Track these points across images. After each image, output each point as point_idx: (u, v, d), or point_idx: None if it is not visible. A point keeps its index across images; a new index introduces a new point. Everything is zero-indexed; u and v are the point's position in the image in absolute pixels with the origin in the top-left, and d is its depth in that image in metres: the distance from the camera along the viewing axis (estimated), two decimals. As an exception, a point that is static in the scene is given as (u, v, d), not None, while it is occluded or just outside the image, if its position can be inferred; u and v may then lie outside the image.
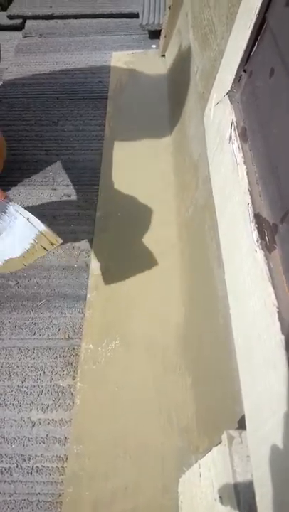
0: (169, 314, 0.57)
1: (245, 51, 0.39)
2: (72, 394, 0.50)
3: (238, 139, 0.35)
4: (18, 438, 0.47)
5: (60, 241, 0.46)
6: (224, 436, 0.34)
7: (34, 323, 0.56)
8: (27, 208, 0.55)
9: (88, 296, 0.58)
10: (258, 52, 0.37)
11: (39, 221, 0.45)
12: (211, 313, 0.47)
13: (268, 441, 0.26)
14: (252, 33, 0.38)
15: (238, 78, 0.40)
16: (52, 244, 0.46)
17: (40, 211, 0.72)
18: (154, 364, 0.52)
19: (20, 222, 0.45)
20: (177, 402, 0.49)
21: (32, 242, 0.45)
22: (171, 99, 0.90)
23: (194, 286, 0.55)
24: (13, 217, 0.44)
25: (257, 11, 0.35)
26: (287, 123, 0.28)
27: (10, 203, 0.44)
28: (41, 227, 0.45)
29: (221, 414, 0.42)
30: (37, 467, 0.45)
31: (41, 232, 0.45)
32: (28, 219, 0.44)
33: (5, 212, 0.44)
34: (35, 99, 0.95)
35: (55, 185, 0.76)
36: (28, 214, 0.45)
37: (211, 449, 0.37)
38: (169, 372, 0.52)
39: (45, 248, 0.46)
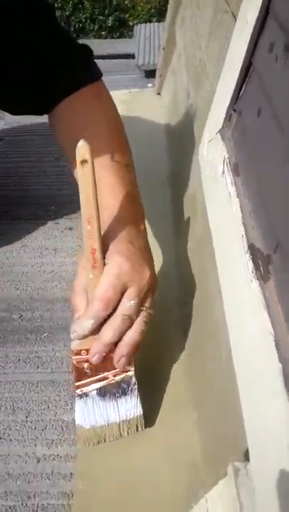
0: (171, 349, 0.57)
1: (234, 91, 0.41)
2: (76, 428, 0.50)
3: (231, 174, 0.36)
4: (23, 474, 0.47)
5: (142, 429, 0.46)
6: (230, 469, 0.34)
7: (38, 357, 0.57)
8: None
9: (91, 328, 0.59)
10: (246, 92, 0.39)
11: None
12: (213, 345, 0.47)
13: (271, 473, 0.27)
14: (240, 74, 0.40)
15: (228, 117, 0.42)
16: (137, 429, 0.46)
17: (42, 244, 0.73)
18: (159, 399, 0.52)
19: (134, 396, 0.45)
20: (183, 438, 0.49)
21: (126, 419, 0.45)
22: (167, 135, 0.93)
23: (196, 319, 0.56)
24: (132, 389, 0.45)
25: (243, 55, 0.38)
26: (274, 160, 0.30)
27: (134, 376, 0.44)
28: (141, 411, 0.46)
29: (228, 448, 0.41)
30: (42, 504, 0.45)
31: (139, 416, 0.46)
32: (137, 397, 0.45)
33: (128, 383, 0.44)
34: (38, 137, 0.99)
35: (57, 219, 0.78)
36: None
37: (217, 483, 0.36)
38: (174, 407, 0.51)
39: (128, 430, 0.46)
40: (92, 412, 0.45)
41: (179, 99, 0.85)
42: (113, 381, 0.44)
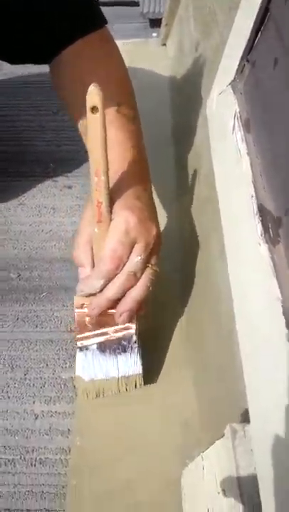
0: (170, 308, 0.56)
1: (248, 41, 0.38)
2: (74, 386, 0.50)
3: (242, 129, 0.34)
4: (22, 430, 0.47)
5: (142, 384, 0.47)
6: (227, 430, 0.34)
7: (36, 316, 0.56)
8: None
9: (90, 288, 0.58)
10: (261, 42, 0.36)
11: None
12: (213, 307, 0.47)
13: (271, 435, 0.26)
14: (255, 22, 0.37)
15: (241, 68, 0.39)
16: (135, 385, 0.47)
17: (40, 202, 0.71)
18: (157, 359, 0.52)
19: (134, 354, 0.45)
20: (179, 398, 0.49)
21: (126, 375, 0.46)
22: (171, 88, 0.89)
23: (196, 280, 0.55)
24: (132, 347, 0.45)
25: (259, 1, 0.35)
26: (293, 114, 0.27)
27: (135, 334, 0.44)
28: (140, 369, 0.46)
29: (224, 409, 0.42)
30: (40, 459, 0.46)
31: (139, 374, 0.46)
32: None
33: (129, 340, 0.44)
34: (36, 90, 0.94)
35: (55, 177, 0.76)
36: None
37: (213, 443, 0.37)
38: (171, 366, 0.52)
39: (127, 386, 0.47)
40: (92, 366, 0.45)
41: (186, 49, 0.81)
42: (113, 337, 0.44)
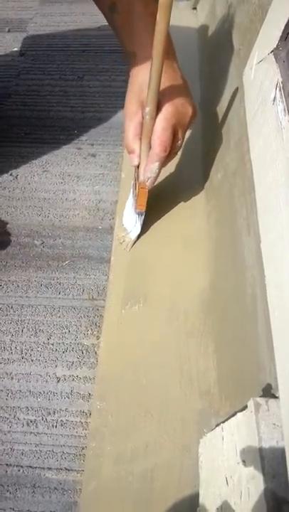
0: (193, 279, 0.56)
1: (295, 4, 0.36)
2: (95, 353, 0.51)
3: (285, 100, 0.33)
4: (44, 392, 0.49)
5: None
6: (250, 403, 0.34)
7: (59, 283, 0.57)
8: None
9: (112, 258, 0.58)
10: (310, 5, 0.34)
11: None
12: (237, 281, 0.47)
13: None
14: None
15: (285, 35, 0.37)
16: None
17: (64, 170, 0.71)
18: (177, 328, 0.52)
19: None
20: (199, 366, 0.50)
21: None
22: (202, 55, 0.86)
23: (221, 253, 0.55)
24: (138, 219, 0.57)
25: None
26: None
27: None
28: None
29: (244, 381, 0.42)
30: (61, 421, 0.47)
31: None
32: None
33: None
34: (60, 53, 0.92)
35: (79, 144, 0.75)
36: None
37: (234, 414, 0.37)
38: (191, 336, 0.52)
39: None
40: (134, 226, 0.58)
41: (218, 14, 0.77)
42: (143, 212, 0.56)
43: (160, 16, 0.37)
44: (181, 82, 0.50)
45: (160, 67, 0.41)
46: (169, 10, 0.37)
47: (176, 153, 0.52)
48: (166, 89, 0.47)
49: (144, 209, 0.54)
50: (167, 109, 0.46)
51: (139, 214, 0.55)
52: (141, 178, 0.52)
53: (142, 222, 0.57)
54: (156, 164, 0.49)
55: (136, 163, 0.52)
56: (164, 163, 0.50)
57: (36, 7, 1.03)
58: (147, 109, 0.45)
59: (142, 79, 0.47)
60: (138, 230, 0.58)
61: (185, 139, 0.52)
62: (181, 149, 0.53)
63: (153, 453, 0.44)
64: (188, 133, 0.54)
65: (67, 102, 0.82)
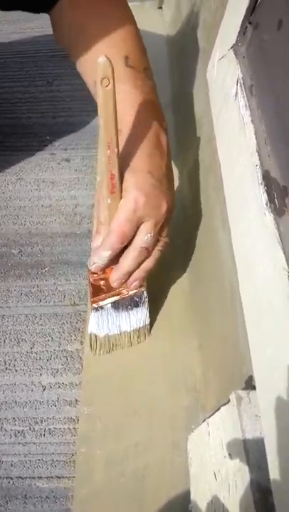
0: (174, 277, 0.57)
1: (250, 1, 0.37)
2: (80, 358, 0.51)
3: (245, 96, 0.33)
4: (30, 402, 0.48)
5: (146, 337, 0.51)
6: (232, 397, 0.34)
7: (40, 291, 0.57)
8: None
9: (92, 262, 0.58)
10: (264, 2, 0.35)
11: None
12: (216, 276, 0.47)
13: (278, 401, 0.27)
14: (258, -21, 0.35)
15: (243, 31, 0.38)
16: (139, 338, 0.51)
17: (38, 177, 0.70)
18: (161, 326, 0.53)
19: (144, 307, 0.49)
20: (184, 363, 0.50)
21: (138, 327, 0.50)
22: (170, 54, 0.86)
23: (198, 249, 0.55)
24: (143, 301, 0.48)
25: None
26: (299, 78, 0.27)
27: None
28: (148, 320, 0.50)
29: (228, 375, 0.42)
30: (49, 429, 0.47)
31: (147, 324, 0.50)
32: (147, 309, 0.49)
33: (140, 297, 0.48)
34: (29, 59, 0.91)
35: (52, 150, 0.75)
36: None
37: (219, 409, 0.38)
38: (175, 334, 0.53)
39: (139, 339, 0.51)
40: (106, 323, 0.48)
41: (183, 13, 0.78)
42: (126, 295, 0.46)
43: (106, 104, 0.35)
44: (164, 173, 0.42)
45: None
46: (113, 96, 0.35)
47: (159, 250, 0.44)
48: (140, 179, 0.40)
49: (97, 303, 0.46)
50: (136, 198, 0.39)
51: (95, 309, 0.46)
52: (89, 263, 0.45)
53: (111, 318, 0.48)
54: (108, 253, 0.42)
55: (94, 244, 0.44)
56: (129, 260, 0.42)
57: (0, 14, 1.02)
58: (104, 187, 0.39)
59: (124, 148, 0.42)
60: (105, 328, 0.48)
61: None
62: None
63: (143, 452, 0.45)
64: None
65: (37, 108, 0.81)
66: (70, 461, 0.45)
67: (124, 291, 0.46)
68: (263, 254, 0.28)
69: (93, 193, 0.67)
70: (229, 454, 0.34)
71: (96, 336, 0.48)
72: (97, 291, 0.46)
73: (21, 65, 0.90)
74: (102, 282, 0.45)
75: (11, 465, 0.45)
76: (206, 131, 0.52)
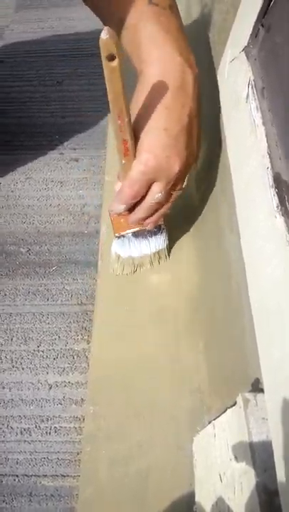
0: (180, 278, 0.57)
1: (263, 3, 0.37)
2: (86, 357, 0.51)
3: (257, 98, 0.33)
4: (36, 400, 0.49)
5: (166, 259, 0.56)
6: (239, 399, 0.34)
7: (47, 290, 0.57)
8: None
9: (99, 262, 0.58)
10: (277, 5, 0.35)
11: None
12: (223, 277, 0.47)
13: (286, 403, 0.27)
14: (271, -18, 0.35)
15: (255, 33, 0.38)
16: (160, 259, 0.55)
17: (47, 176, 0.71)
18: (166, 328, 0.52)
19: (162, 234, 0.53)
20: (189, 365, 0.50)
21: (157, 250, 0.54)
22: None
23: (206, 250, 0.55)
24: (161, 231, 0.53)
25: None
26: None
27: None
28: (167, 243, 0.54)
29: (233, 377, 0.42)
30: (55, 427, 0.47)
31: (165, 248, 0.54)
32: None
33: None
34: (39, 59, 0.92)
35: (61, 150, 0.75)
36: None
37: (225, 410, 0.37)
38: (180, 335, 0.52)
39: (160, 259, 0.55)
40: (128, 247, 0.52)
41: (194, 14, 0.78)
42: (145, 229, 0.50)
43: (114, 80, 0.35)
44: (183, 109, 0.40)
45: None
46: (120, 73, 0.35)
47: (173, 200, 0.46)
48: (153, 140, 0.40)
49: (118, 233, 0.50)
50: (146, 160, 0.40)
51: (117, 237, 0.51)
52: (109, 209, 0.48)
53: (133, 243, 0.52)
54: (122, 207, 0.45)
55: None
56: (142, 210, 0.45)
57: (11, 14, 1.03)
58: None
59: (144, 100, 0.41)
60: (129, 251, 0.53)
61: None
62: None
63: (147, 453, 0.45)
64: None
65: (47, 108, 0.82)
66: (75, 460, 0.45)
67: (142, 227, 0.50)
68: (272, 255, 0.28)
69: (101, 193, 0.67)
70: (235, 456, 0.34)
71: (119, 256, 0.52)
72: (118, 226, 0.50)
73: (31, 65, 0.91)
74: (122, 220, 0.49)
75: (17, 463, 0.45)
76: (216, 132, 0.52)
